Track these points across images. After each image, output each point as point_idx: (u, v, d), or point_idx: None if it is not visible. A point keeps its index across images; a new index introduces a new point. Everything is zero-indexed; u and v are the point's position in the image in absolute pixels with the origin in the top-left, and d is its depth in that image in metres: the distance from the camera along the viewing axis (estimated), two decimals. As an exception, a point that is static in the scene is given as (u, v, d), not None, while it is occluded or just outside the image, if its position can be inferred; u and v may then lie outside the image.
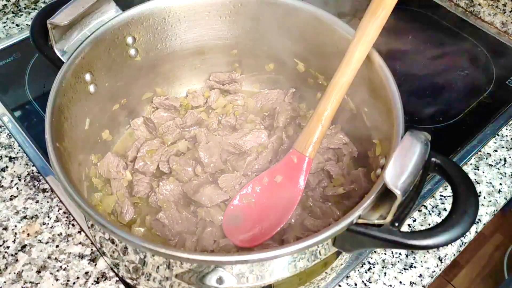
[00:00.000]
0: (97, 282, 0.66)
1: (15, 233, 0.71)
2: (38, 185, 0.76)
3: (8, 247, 0.69)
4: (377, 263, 0.70)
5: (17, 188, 0.76)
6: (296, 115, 0.80)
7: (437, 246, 0.47)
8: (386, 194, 0.49)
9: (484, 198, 0.79)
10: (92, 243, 0.70)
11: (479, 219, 0.77)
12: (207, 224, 0.68)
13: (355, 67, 0.62)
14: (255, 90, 0.87)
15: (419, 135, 0.52)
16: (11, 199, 0.75)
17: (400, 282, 0.69)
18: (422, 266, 0.71)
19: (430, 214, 0.76)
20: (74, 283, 0.66)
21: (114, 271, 0.67)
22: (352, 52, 0.61)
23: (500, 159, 0.84)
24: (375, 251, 0.72)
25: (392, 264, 0.70)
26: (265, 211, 0.67)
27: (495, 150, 0.85)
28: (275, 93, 0.85)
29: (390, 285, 0.69)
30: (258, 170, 0.73)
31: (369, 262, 0.71)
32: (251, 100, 0.84)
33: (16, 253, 0.69)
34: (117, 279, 0.67)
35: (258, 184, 0.69)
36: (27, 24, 1.04)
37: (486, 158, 0.84)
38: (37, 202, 0.74)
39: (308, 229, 0.67)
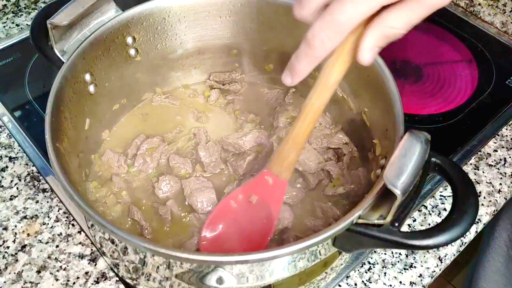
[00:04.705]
0: (97, 282, 0.66)
1: (15, 233, 0.71)
2: (38, 185, 0.76)
3: (8, 247, 0.69)
4: (377, 263, 0.70)
5: (17, 188, 0.76)
6: (296, 115, 0.80)
7: (437, 246, 0.47)
8: (386, 194, 0.49)
9: (484, 198, 0.79)
10: (92, 243, 0.70)
11: (479, 219, 0.77)
12: (194, 233, 0.67)
13: (332, 89, 0.54)
14: (255, 90, 0.87)
15: (419, 135, 0.52)
16: (11, 199, 0.75)
17: (400, 282, 0.69)
18: (422, 266, 0.71)
19: (430, 214, 0.76)
20: (74, 283, 0.66)
21: (114, 271, 0.67)
22: (329, 74, 0.53)
23: (500, 159, 0.84)
24: (375, 251, 0.72)
25: (392, 264, 0.70)
26: (242, 230, 0.64)
27: (495, 150, 0.85)
28: (275, 93, 0.85)
29: (390, 285, 0.69)
30: (258, 170, 0.73)
31: (369, 262, 0.71)
32: (251, 100, 0.84)
33: (16, 253, 0.69)
34: (117, 279, 0.67)
35: (234, 200, 0.65)
36: (27, 24, 1.04)
37: (486, 158, 0.84)
38: (37, 202, 0.74)
39: (308, 229, 0.67)
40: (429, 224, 0.75)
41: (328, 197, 0.71)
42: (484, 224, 0.77)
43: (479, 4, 1.10)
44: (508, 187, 0.80)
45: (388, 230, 0.48)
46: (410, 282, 0.69)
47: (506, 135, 0.88)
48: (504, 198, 0.80)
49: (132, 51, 0.74)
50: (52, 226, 0.72)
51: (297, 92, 0.84)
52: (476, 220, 0.72)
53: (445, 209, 0.77)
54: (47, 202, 0.74)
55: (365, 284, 0.69)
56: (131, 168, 0.74)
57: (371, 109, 0.70)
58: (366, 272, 0.70)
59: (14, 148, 0.81)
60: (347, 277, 0.69)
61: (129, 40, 0.72)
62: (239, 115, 0.82)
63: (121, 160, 0.73)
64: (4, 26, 1.03)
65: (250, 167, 0.73)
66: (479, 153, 0.85)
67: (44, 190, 0.76)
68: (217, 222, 0.65)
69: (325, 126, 0.78)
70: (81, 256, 0.69)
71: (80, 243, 0.70)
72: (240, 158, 0.74)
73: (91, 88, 0.69)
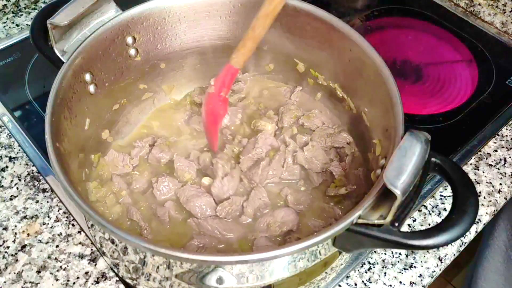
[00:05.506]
0: (97, 282, 0.66)
1: (15, 233, 0.71)
2: (38, 185, 0.76)
3: (8, 247, 0.69)
4: (377, 263, 0.70)
5: (17, 188, 0.76)
6: (300, 115, 0.80)
7: (437, 246, 0.47)
8: (386, 194, 0.49)
9: (484, 198, 0.79)
10: (92, 243, 0.70)
11: (479, 219, 0.77)
12: (194, 235, 0.67)
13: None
14: (258, 90, 0.86)
15: (419, 135, 0.52)
16: (11, 199, 0.75)
17: (400, 282, 0.69)
18: (422, 266, 0.71)
19: (430, 214, 0.76)
20: (74, 283, 0.66)
21: (114, 271, 0.67)
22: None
23: (500, 159, 0.84)
24: (375, 251, 0.72)
25: (392, 264, 0.70)
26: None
27: (495, 150, 0.85)
28: (281, 91, 0.84)
29: (390, 285, 0.69)
30: (273, 176, 0.72)
31: (369, 262, 0.71)
32: (253, 99, 0.84)
33: (16, 253, 0.69)
34: (117, 279, 0.67)
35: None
36: (27, 24, 1.04)
37: (486, 158, 0.84)
38: (37, 202, 0.74)
39: (311, 230, 0.67)
40: (429, 224, 0.75)
41: (330, 197, 0.71)
42: (484, 224, 0.77)
43: (479, 4, 1.10)
44: (508, 187, 0.80)
45: (388, 230, 0.48)
46: (410, 282, 0.69)
47: (506, 135, 0.88)
48: (504, 198, 0.80)
49: (132, 51, 0.74)
50: (52, 226, 0.72)
51: (303, 90, 0.83)
52: (476, 220, 0.72)
53: (445, 209, 0.77)
54: (47, 202, 0.74)
55: (365, 284, 0.69)
56: (135, 168, 0.73)
57: (371, 109, 0.70)
58: (366, 272, 0.70)
59: (14, 148, 0.81)
60: (347, 277, 0.69)
61: (129, 40, 0.72)
62: (242, 115, 0.81)
63: (126, 159, 0.73)
64: (4, 26, 1.03)
65: (265, 174, 0.72)
66: (479, 153, 0.85)
67: (44, 190, 0.76)
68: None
69: (328, 125, 0.78)
70: (81, 256, 0.69)
71: (80, 243, 0.70)
72: (254, 165, 0.73)
73: (91, 88, 0.69)
